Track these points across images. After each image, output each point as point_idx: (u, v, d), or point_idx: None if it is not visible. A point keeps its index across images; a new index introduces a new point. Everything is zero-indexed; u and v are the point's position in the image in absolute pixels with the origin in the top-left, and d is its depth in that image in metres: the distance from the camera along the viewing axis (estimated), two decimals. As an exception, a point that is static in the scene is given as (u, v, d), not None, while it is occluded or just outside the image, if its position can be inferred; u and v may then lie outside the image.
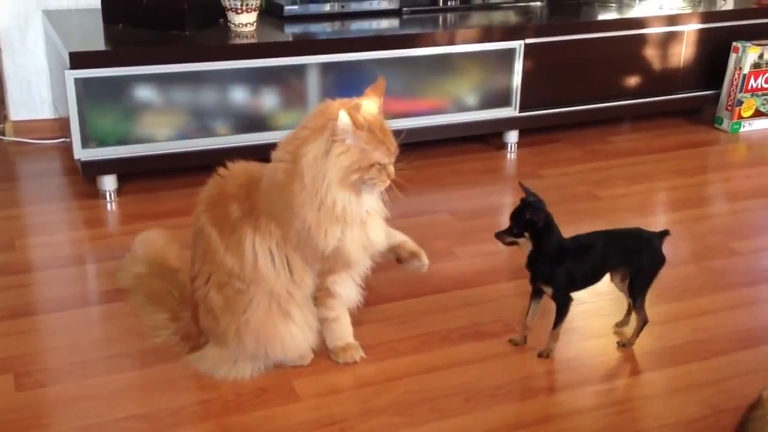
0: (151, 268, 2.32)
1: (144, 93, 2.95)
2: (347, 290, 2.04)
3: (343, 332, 2.09)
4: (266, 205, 1.93)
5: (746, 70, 3.85)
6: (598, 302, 2.41)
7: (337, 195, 1.87)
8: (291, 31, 3.34)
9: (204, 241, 1.98)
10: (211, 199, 2.01)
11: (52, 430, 1.84)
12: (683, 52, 3.84)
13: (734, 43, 3.87)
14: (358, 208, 1.91)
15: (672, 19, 3.77)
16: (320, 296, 2.02)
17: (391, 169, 1.88)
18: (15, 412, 1.89)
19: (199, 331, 2.06)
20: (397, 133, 1.91)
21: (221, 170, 2.03)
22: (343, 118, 1.79)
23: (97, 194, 3.03)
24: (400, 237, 2.16)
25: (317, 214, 1.87)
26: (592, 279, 2.16)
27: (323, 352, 2.10)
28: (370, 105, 1.89)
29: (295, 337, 1.99)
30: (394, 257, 2.16)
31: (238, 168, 2.04)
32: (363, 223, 1.94)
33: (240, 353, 1.99)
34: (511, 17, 3.68)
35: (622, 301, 2.43)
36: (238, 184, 2.00)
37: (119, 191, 3.05)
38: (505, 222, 2.11)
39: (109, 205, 3.01)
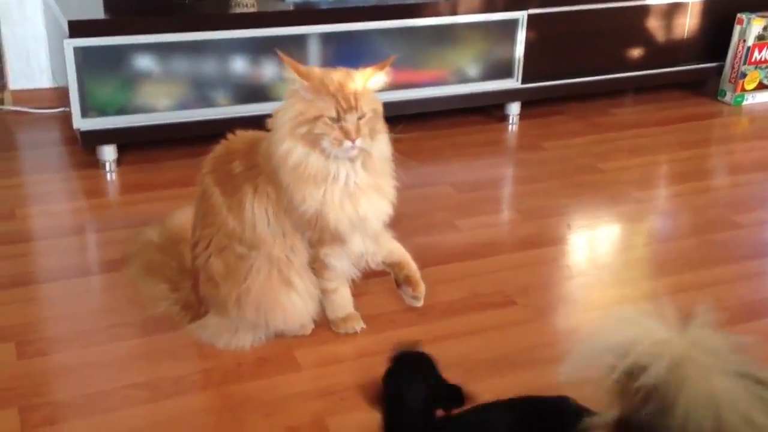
0: (161, 239, 2.31)
1: (144, 62, 2.93)
2: (341, 263, 2.02)
3: (343, 303, 2.09)
4: (264, 165, 1.93)
5: (750, 42, 3.82)
6: (599, 275, 2.41)
7: (292, 146, 1.85)
8: (292, 0, 3.32)
9: (206, 203, 1.98)
10: (216, 159, 2.01)
11: (53, 397, 1.85)
12: (687, 24, 3.81)
13: (739, 15, 3.84)
14: (320, 167, 1.86)
15: (676, -9, 3.74)
16: (316, 267, 2.02)
17: (348, 126, 1.82)
18: (17, 380, 1.89)
19: (200, 300, 2.06)
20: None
21: (230, 134, 2.03)
22: (286, 60, 1.82)
23: (97, 164, 3.02)
24: (401, 255, 2.12)
25: (293, 172, 1.87)
26: None
27: (324, 323, 2.10)
28: (350, 71, 1.88)
29: (296, 305, 1.98)
30: (393, 276, 2.15)
31: (248, 132, 2.04)
32: (350, 195, 1.91)
33: (240, 322, 1.99)
34: (514, -12, 3.64)
35: (623, 273, 2.43)
36: (243, 141, 2.01)
37: (119, 161, 3.04)
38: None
39: (108, 175, 3.00)
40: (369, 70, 1.89)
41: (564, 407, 1.42)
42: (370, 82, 1.89)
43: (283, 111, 1.89)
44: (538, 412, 1.44)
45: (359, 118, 1.84)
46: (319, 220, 1.91)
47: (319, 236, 1.95)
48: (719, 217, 2.79)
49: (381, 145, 1.95)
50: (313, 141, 1.85)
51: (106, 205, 2.82)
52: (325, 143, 1.84)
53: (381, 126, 1.94)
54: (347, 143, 1.83)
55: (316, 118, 1.83)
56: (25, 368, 1.94)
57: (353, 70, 1.89)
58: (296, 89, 1.86)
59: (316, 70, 1.88)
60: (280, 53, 1.87)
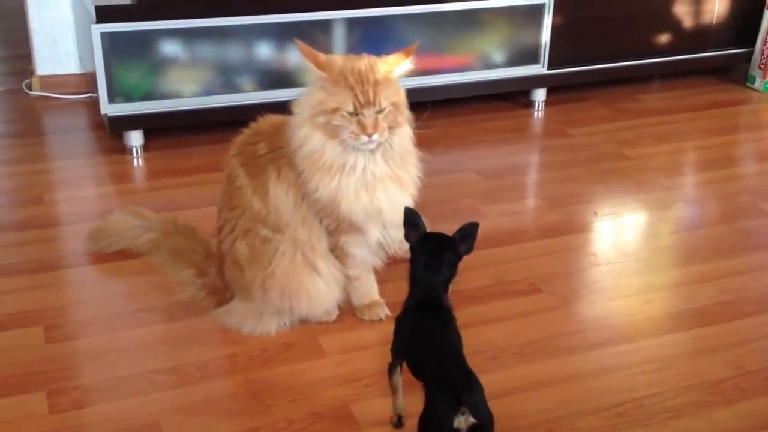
0: (166, 229, 2.32)
1: (170, 48, 2.94)
2: (361, 251, 2.02)
3: (368, 290, 2.10)
4: (287, 148, 1.93)
5: (781, 27, 3.77)
6: (625, 263, 2.40)
7: (309, 133, 1.86)
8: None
9: (231, 186, 1.99)
10: (244, 140, 2.01)
11: (81, 381, 1.87)
12: (716, 8, 3.76)
13: (769, 0, 3.79)
14: (336, 157, 1.86)
15: (705, -25, 3.69)
16: (338, 255, 2.02)
17: (365, 121, 1.81)
18: (45, 363, 1.91)
19: (225, 285, 2.07)
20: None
21: (259, 118, 2.04)
22: (304, 51, 1.82)
23: (124, 149, 3.03)
24: None
25: (308, 159, 1.88)
26: None
27: (349, 310, 2.10)
28: (372, 58, 1.86)
29: (320, 290, 1.99)
30: None
31: (276, 116, 2.04)
32: (366, 186, 1.90)
33: (265, 307, 2.00)
34: (541, -28, 3.61)
35: (649, 261, 2.42)
36: (270, 124, 2.01)
37: (145, 147, 3.05)
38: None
39: (135, 160, 3.02)
40: (392, 59, 1.87)
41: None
42: (393, 72, 1.87)
43: (306, 96, 1.89)
44: None
45: (377, 113, 1.83)
46: (333, 209, 1.91)
47: (336, 224, 1.95)
48: (747, 205, 2.76)
49: (403, 136, 1.93)
50: (332, 131, 1.85)
51: (132, 190, 2.84)
52: (344, 135, 1.84)
53: (402, 117, 1.91)
54: (364, 137, 1.82)
55: (334, 110, 1.82)
56: (53, 352, 1.96)
57: (376, 59, 1.87)
58: (317, 79, 1.85)
59: (337, 60, 1.86)
60: (299, 42, 1.86)
